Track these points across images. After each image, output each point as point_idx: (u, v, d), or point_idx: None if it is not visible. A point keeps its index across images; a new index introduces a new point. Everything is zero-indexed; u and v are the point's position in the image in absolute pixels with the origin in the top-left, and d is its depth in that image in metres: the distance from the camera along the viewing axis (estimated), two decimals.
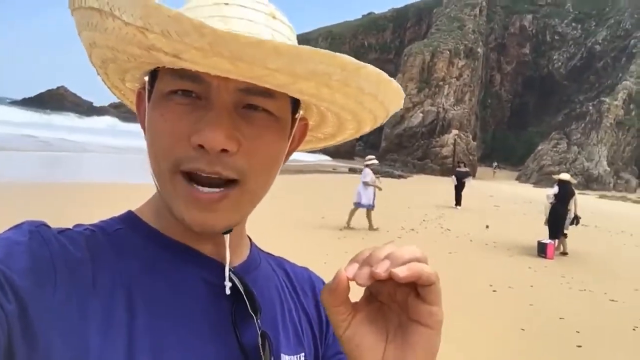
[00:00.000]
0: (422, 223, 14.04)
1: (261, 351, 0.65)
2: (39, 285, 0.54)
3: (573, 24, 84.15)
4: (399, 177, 37.87)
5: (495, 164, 61.16)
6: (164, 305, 0.62)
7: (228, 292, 0.66)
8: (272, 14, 0.65)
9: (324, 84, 0.56)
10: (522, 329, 5.86)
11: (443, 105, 60.02)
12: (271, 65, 0.52)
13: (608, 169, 49.90)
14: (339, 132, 0.80)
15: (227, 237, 0.68)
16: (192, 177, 0.60)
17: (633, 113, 55.11)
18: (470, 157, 54.19)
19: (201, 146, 0.58)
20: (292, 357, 0.73)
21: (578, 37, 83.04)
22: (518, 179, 52.37)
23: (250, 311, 0.67)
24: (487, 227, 13.99)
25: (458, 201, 19.60)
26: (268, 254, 0.85)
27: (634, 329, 6.31)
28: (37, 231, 0.59)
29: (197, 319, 0.64)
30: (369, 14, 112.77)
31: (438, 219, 15.26)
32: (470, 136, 58.85)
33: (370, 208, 12.11)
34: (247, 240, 0.79)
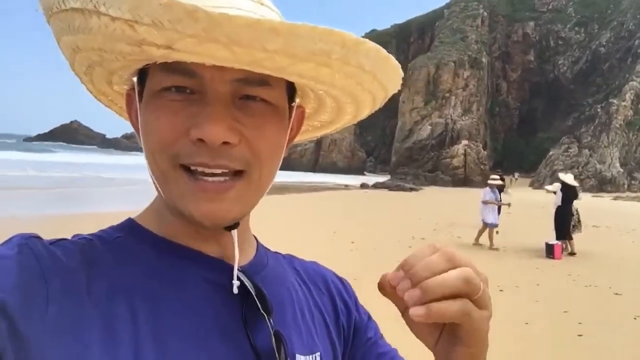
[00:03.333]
0: (433, 232, 14.31)
1: (275, 352, 0.64)
2: (29, 300, 0.52)
3: (576, 28, 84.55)
4: (410, 189, 38.10)
5: (516, 174, 60.60)
6: (169, 311, 0.60)
7: (236, 291, 0.64)
8: (260, 0, 0.63)
9: (324, 64, 0.55)
10: (526, 323, 6.16)
11: (451, 116, 60.42)
12: (270, 47, 0.50)
13: (621, 170, 49.70)
14: (337, 118, 0.78)
15: (234, 232, 0.66)
16: (194, 172, 0.59)
17: None
18: (482, 167, 54.35)
19: (201, 140, 0.57)
20: (307, 357, 0.71)
21: (582, 41, 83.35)
22: (531, 185, 52.28)
23: (261, 311, 0.65)
24: (496, 232, 14.21)
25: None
26: (275, 252, 0.84)
27: (635, 318, 6.56)
28: (26, 244, 0.57)
29: (205, 322, 0.62)
30: (372, 31, 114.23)
31: (449, 227, 15.53)
32: (481, 145, 59.04)
33: (492, 227, 12.13)
34: (253, 240, 0.78)
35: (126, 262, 0.62)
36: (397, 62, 0.62)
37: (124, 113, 0.73)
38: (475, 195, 19.77)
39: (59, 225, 9.76)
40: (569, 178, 12.08)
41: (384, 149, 72.88)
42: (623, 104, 53.37)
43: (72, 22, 0.54)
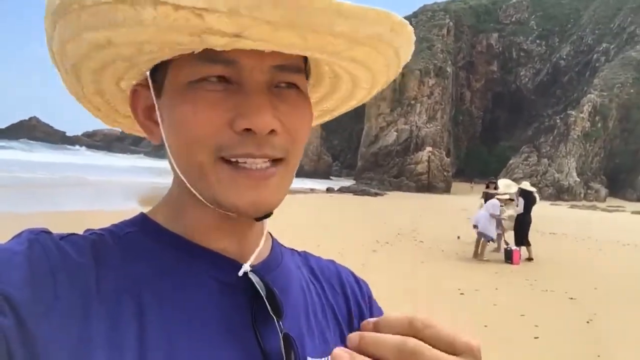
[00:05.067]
0: (397, 236, 14.51)
1: (283, 355, 0.62)
2: (38, 296, 0.51)
3: (537, 41, 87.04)
4: (375, 194, 38.46)
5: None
6: (178, 310, 0.59)
7: (243, 275, 0.64)
8: None
9: (374, 48, 0.54)
10: (485, 326, 6.33)
11: (416, 123, 61.24)
12: (337, 29, 0.49)
13: (578, 179, 51.33)
14: (351, 95, 0.75)
15: (266, 222, 0.66)
16: (234, 163, 0.58)
17: (599, 125, 57.02)
18: (445, 173, 55.35)
19: (247, 130, 0.56)
20: None
21: (543, 53, 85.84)
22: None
23: (271, 313, 0.63)
24: (458, 237, 14.55)
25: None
26: (291, 249, 0.82)
27: (587, 322, 6.84)
28: (36, 239, 0.57)
29: (214, 322, 0.61)
30: None
31: (412, 233, 15.76)
32: (444, 152, 60.04)
33: (489, 239, 11.69)
34: (269, 237, 0.76)
35: (136, 258, 0.61)
36: (411, 28, 0.58)
37: (112, 114, 0.71)
38: (438, 201, 20.15)
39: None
40: (505, 185, 12.53)
41: (350, 153, 73.46)
42: (581, 115, 55.15)
43: (113, 15, 0.50)
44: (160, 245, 0.64)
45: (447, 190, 52.72)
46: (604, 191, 53.00)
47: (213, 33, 0.49)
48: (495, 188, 14.13)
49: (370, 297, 0.84)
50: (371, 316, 0.81)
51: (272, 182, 0.59)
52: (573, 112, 56.19)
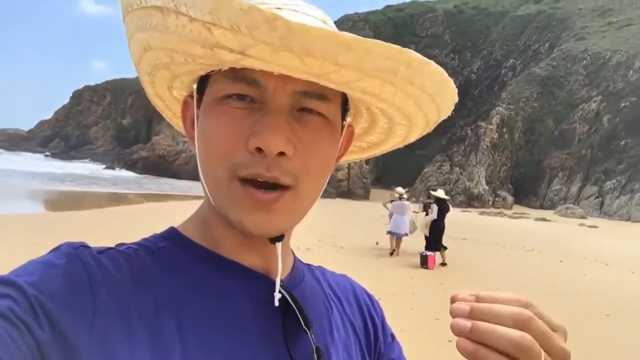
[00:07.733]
0: (318, 242, 14.60)
1: None
2: (77, 310, 0.51)
3: (451, 55, 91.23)
4: None
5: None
6: (213, 323, 0.60)
7: (277, 303, 0.64)
8: (324, 19, 0.64)
9: (388, 82, 0.55)
10: (402, 330, 6.50)
11: None
12: (340, 60, 0.50)
13: (487, 187, 54.02)
14: (386, 140, 0.78)
15: (279, 245, 0.65)
16: (248, 182, 0.59)
17: (506, 136, 60.38)
18: (364, 180, 56.46)
19: (258, 150, 0.57)
20: None
21: (456, 67, 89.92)
22: (408, 199, 55.02)
23: (303, 326, 0.65)
24: (376, 243, 14.89)
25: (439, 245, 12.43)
26: (308, 264, 0.84)
27: None
28: (75, 253, 0.57)
29: (248, 334, 0.62)
30: None
31: (332, 239, 15.95)
32: (363, 161, 61.26)
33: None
34: (291, 254, 0.78)
35: (171, 273, 0.62)
36: (454, 86, 0.61)
37: (175, 119, 0.75)
38: (358, 207, 20.46)
39: None
40: (442, 194, 13.01)
41: None
42: (490, 127, 58.16)
43: (150, 19, 0.54)
44: (194, 260, 0.65)
45: (366, 197, 53.80)
46: (510, 199, 56.09)
47: (222, 47, 0.51)
48: (429, 197, 15.35)
49: (383, 317, 0.86)
50: (384, 335, 0.83)
51: (276, 206, 0.59)
52: (483, 124, 59.19)
